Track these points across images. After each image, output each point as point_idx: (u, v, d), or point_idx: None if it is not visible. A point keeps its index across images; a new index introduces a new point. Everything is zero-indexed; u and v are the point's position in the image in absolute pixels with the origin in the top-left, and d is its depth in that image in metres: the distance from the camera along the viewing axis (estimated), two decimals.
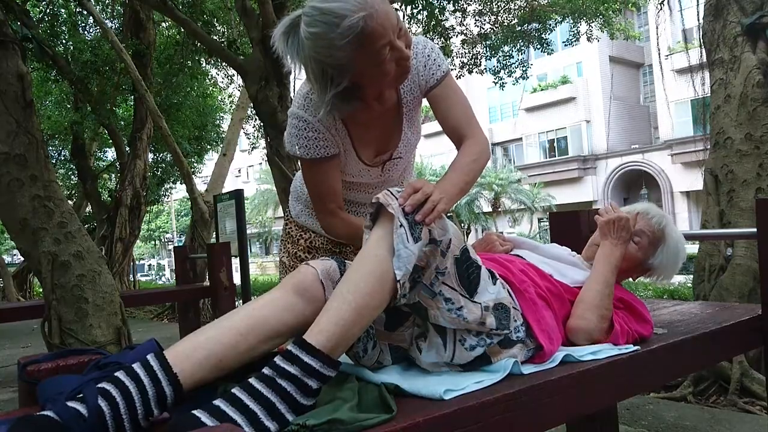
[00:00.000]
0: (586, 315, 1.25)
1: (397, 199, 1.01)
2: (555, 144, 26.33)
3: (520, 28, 8.79)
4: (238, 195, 4.88)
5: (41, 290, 3.73)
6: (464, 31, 8.89)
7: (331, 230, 1.50)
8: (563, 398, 1.08)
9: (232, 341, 0.94)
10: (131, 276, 10.61)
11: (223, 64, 8.41)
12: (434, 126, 24.75)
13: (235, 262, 4.68)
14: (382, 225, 1.02)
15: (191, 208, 8.09)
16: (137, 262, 17.32)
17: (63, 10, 7.84)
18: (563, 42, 10.02)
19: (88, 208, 11.16)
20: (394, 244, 0.97)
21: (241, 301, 5.19)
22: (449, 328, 1.05)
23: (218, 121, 10.93)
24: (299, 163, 1.49)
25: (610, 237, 1.39)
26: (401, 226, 0.98)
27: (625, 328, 1.30)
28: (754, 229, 1.67)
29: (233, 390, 0.85)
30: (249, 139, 11.46)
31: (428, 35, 7.83)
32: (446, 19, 8.10)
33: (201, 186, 9.34)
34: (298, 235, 1.69)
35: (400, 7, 6.51)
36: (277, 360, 0.88)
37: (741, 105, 3.71)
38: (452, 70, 8.76)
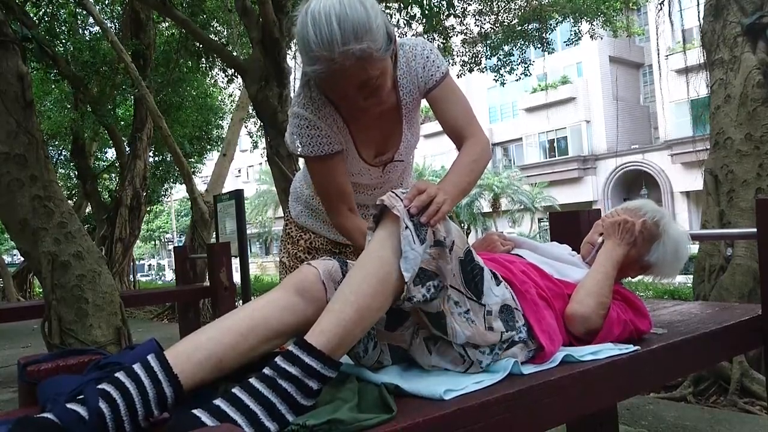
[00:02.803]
0: (585, 300, 1.25)
1: (401, 200, 1.01)
2: (555, 144, 26.33)
3: (520, 27, 8.79)
4: (238, 195, 4.89)
5: (41, 290, 3.73)
6: (464, 31, 8.90)
7: (345, 234, 1.47)
8: (563, 398, 1.08)
9: (232, 341, 0.94)
10: (131, 276, 10.61)
11: (223, 63, 8.41)
12: (434, 126, 24.74)
13: (235, 262, 4.68)
14: (385, 227, 1.01)
15: (191, 208, 8.09)
16: (137, 262, 17.32)
17: (63, 10, 7.84)
18: (564, 41, 10.02)
19: (88, 208, 11.17)
20: (401, 246, 0.97)
21: (241, 301, 5.19)
22: (463, 343, 1.05)
23: (218, 121, 10.93)
24: (301, 163, 1.50)
25: (613, 237, 1.41)
26: (407, 228, 0.98)
27: (622, 317, 1.30)
28: (754, 229, 1.67)
29: (233, 390, 0.85)
30: (251, 137, 11.47)
31: (428, 35, 7.82)
32: (447, 18, 8.10)
33: (201, 186, 9.34)
34: (298, 236, 1.69)
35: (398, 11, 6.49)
36: (278, 360, 0.88)
37: (741, 105, 3.71)
38: (452, 66, 8.77)
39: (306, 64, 1.19)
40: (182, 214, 33.15)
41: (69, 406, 0.81)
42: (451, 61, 8.87)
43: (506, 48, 8.95)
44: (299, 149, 1.40)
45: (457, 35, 8.89)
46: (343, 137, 1.41)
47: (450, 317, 1.02)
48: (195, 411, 0.81)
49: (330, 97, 1.32)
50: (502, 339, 1.09)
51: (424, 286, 0.98)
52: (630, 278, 1.54)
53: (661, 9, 5.04)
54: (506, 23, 8.76)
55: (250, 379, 0.86)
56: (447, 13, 7.39)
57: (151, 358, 0.89)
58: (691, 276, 4.22)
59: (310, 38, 1.14)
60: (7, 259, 18.33)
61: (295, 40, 1.26)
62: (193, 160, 10.42)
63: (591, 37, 9.40)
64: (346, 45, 1.12)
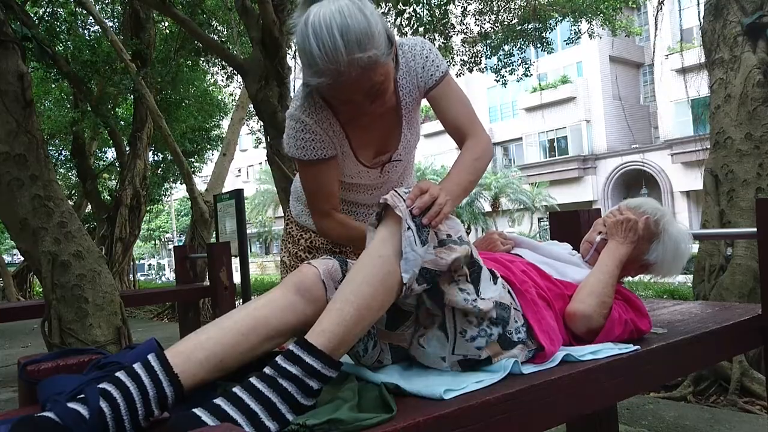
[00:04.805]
0: (587, 300, 1.25)
1: (404, 201, 1.01)
2: (555, 144, 26.33)
3: (520, 27, 8.80)
4: (238, 195, 4.88)
5: (41, 290, 3.73)
6: (464, 31, 8.90)
7: (325, 231, 1.50)
8: (563, 398, 1.08)
9: (233, 341, 0.94)
10: (131, 276, 10.61)
11: (223, 63, 8.41)
12: (434, 126, 24.74)
13: (235, 262, 4.67)
14: (387, 226, 1.02)
15: (191, 208, 8.09)
16: (137, 262, 17.31)
17: (63, 10, 7.84)
18: (564, 41, 10.02)
19: (88, 208, 11.17)
20: (402, 246, 0.97)
21: (241, 300, 5.19)
22: (454, 312, 1.05)
23: (218, 120, 10.94)
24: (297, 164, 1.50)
25: (617, 236, 1.41)
26: (409, 228, 0.98)
27: (623, 317, 1.30)
28: (754, 229, 1.67)
29: (234, 389, 0.85)
30: (255, 135, 11.50)
31: (428, 35, 7.82)
32: (447, 19, 8.10)
33: (201, 186, 9.34)
34: (298, 235, 1.69)
35: (394, 17, 6.49)
36: (279, 360, 0.88)
37: (741, 105, 3.71)
38: (452, 66, 8.77)
39: (311, 77, 1.18)
40: (182, 213, 33.15)
41: (70, 405, 0.81)
42: (451, 61, 8.87)
43: (506, 48, 8.95)
44: (293, 151, 1.40)
45: (457, 35, 8.89)
46: (339, 142, 1.41)
47: (450, 297, 1.02)
48: (195, 410, 0.81)
49: (332, 103, 1.32)
50: (490, 320, 1.08)
51: (421, 285, 0.99)
52: (630, 278, 1.54)
53: (660, 9, 5.04)
54: (506, 23, 8.76)
55: (250, 379, 0.86)
56: (443, 20, 7.41)
57: (151, 358, 0.89)
58: (691, 276, 4.22)
59: (313, 52, 1.12)
60: (7, 258, 18.33)
61: (295, 40, 1.23)
62: (193, 159, 10.42)
63: (590, 36, 9.40)
64: (351, 56, 1.11)
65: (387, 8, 6.45)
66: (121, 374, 0.87)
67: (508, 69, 9.01)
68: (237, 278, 4.63)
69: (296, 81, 5.67)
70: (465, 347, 1.07)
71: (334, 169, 1.43)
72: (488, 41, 8.91)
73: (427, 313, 1.07)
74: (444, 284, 1.02)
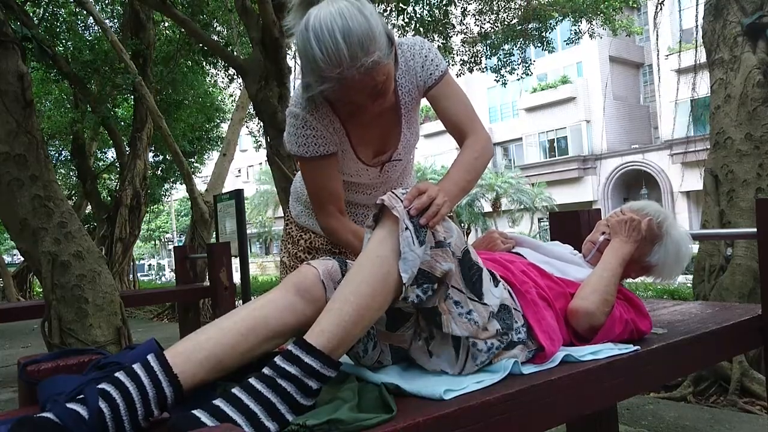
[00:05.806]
0: (590, 296, 1.25)
1: (402, 201, 1.01)
2: (555, 144, 26.33)
3: (520, 27, 8.80)
4: (238, 195, 4.88)
5: (41, 290, 3.73)
6: (464, 31, 8.90)
7: (330, 232, 1.48)
8: (563, 398, 1.08)
9: (232, 342, 0.94)
10: (131, 276, 10.61)
11: (223, 63, 8.41)
12: (434, 126, 24.74)
13: (235, 262, 4.67)
14: (384, 226, 1.01)
15: (191, 208, 8.09)
16: (137, 262, 17.30)
17: (63, 10, 7.84)
18: (564, 41, 10.02)
19: (88, 208, 11.17)
20: (400, 247, 0.97)
21: (241, 301, 5.19)
22: (462, 337, 1.05)
23: (219, 121, 10.94)
24: (298, 163, 1.50)
25: (621, 235, 1.41)
26: (407, 229, 0.98)
27: (624, 316, 1.30)
28: (754, 229, 1.67)
29: (233, 390, 0.85)
30: (254, 137, 11.51)
31: (428, 35, 7.83)
32: (447, 20, 8.10)
33: (201, 186, 9.34)
34: (298, 236, 1.69)
35: (396, 17, 6.49)
36: (278, 360, 0.88)
37: (741, 105, 3.71)
38: (453, 67, 8.76)
39: (314, 82, 1.18)
40: (182, 214, 33.14)
41: (69, 405, 0.81)
42: (450, 60, 8.87)
43: (506, 47, 8.96)
44: (294, 148, 1.40)
45: (456, 35, 8.89)
46: (339, 138, 1.41)
47: (447, 315, 1.02)
48: (195, 411, 0.81)
49: (333, 102, 1.32)
50: (498, 336, 1.08)
51: (420, 288, 0.98)
52: (630, 279, 1.54)
53: (660, 9, 5.04)
54: (506, 22, 8.76)
55: (249, 379, 0.86)
56: (443, 21, 7.40)
57: (151, 358, 0.89)
58: (691, 276, 4.22)
59: (317, 57, 1.12)
60: (7, 259, 18.34)
61: (295, 44, 1.24)
62: (193, 160, 10.42)
63: (590, 36, 9.40)
64: (354, 59, 1.11)
65: (389, 9, 6.45)
66: (120, 374, 0.87)
67: (507, 69, 9.01)
68: (237, 278, 4.63)
69: (296, 81, 5.67)
70: (473, 368, 1.08)
71: (335, 166, 1.43)
72: (488, 41, 8.91)
73: (427, 317, 1.07)
74: (441, 304, 1.02)
